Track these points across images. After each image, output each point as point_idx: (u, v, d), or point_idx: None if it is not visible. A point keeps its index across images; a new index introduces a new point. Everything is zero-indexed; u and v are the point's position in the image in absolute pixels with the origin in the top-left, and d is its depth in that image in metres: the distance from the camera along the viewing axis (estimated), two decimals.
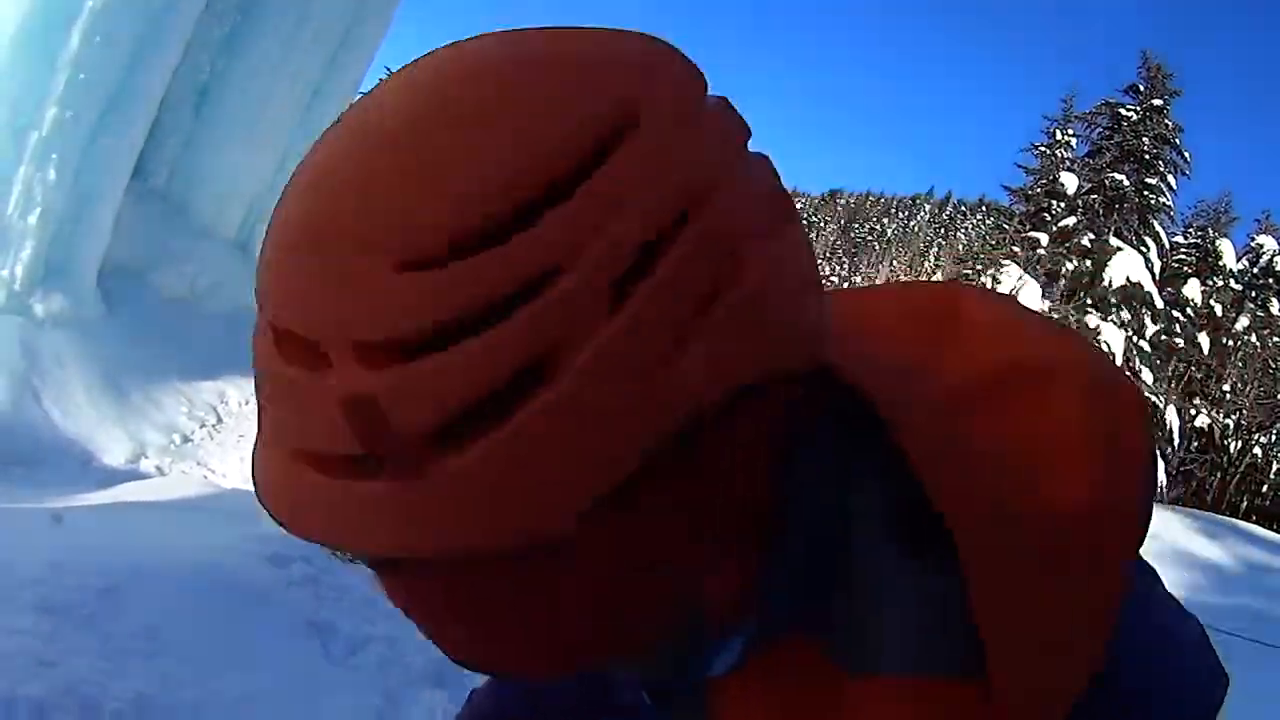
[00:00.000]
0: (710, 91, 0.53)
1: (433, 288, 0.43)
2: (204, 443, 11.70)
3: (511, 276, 0.43)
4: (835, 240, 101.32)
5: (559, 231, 0.43)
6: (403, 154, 0.45)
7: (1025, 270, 23.22)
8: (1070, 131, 26.30)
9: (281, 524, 0.48)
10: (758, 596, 0.60)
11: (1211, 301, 29.63)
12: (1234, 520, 14.63)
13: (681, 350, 0.46)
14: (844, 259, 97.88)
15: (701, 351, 0.46)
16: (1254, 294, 31.62)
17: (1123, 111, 25.79)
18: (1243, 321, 30.50)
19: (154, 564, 3.34)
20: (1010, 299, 0.73)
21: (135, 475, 9.50)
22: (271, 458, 0.49)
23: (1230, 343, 30.09)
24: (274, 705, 2.69)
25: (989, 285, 22.65)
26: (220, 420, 12.50)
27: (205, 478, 10.07)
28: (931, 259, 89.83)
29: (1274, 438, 29.51)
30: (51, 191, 10.55)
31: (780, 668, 0.62)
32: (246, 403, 13.17)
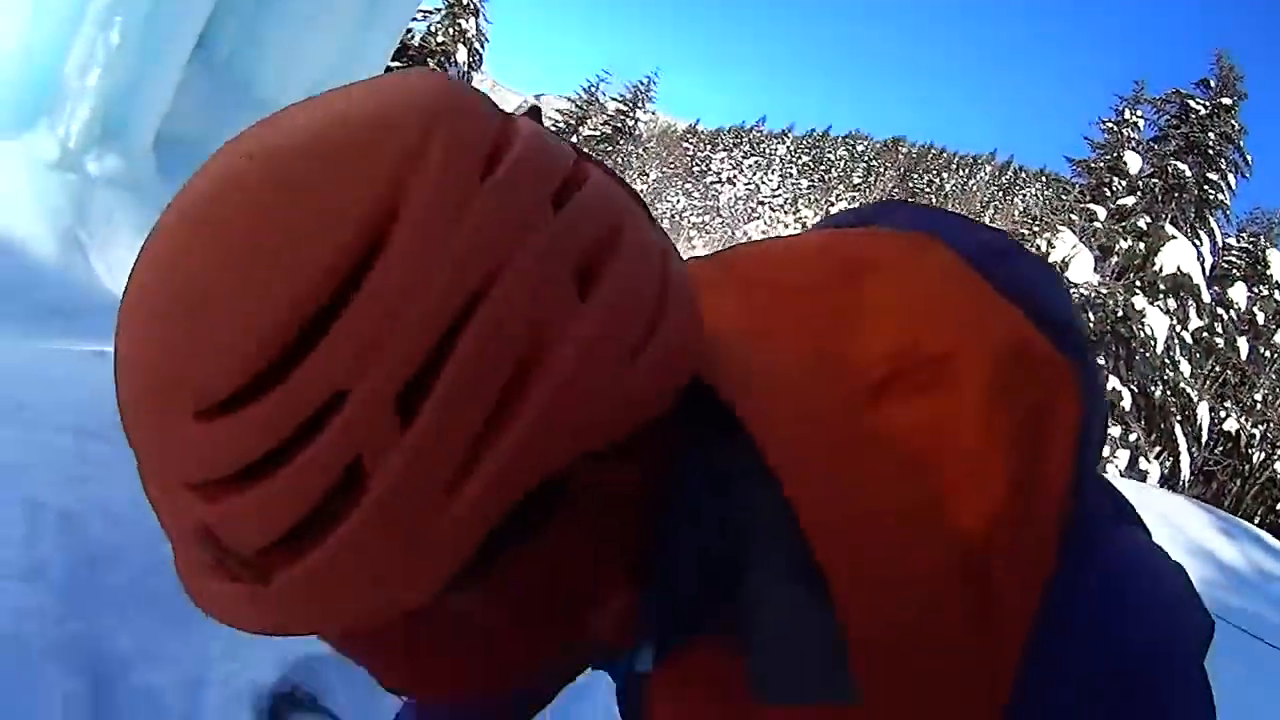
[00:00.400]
0: (517, 136, 0.53)
1: (229, 434, 0.46)
2: None
3: (298, 409, 0.46)
4: (893, 188, 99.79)
5: (334, 357, 0.46)
6: (176, 308, 0.48)
7: (1080, 240, 22.94)
8: (1139, 113, 25.87)
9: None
10: (645, 623, 0.65)
11: (1255, 309, 29.24)
12: (1256, 528, 14.51)
13: (484, 450, 0.48)
14: None
15: (509, 447, 0.48)
16: None
17: (1192, 104, 25.36)
18: None
19: None
20: (934, 246, 0.69)
21: None
22: (179, 566, 0.55)
23: (1268, 353, 29.72)
24: None
25: (1043, 248, 22.47)
26: None
27: None
28: (987, 220, 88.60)
29: None
30: (113, 54, 10.53)
31: (696, 665, 0.65)
32: None
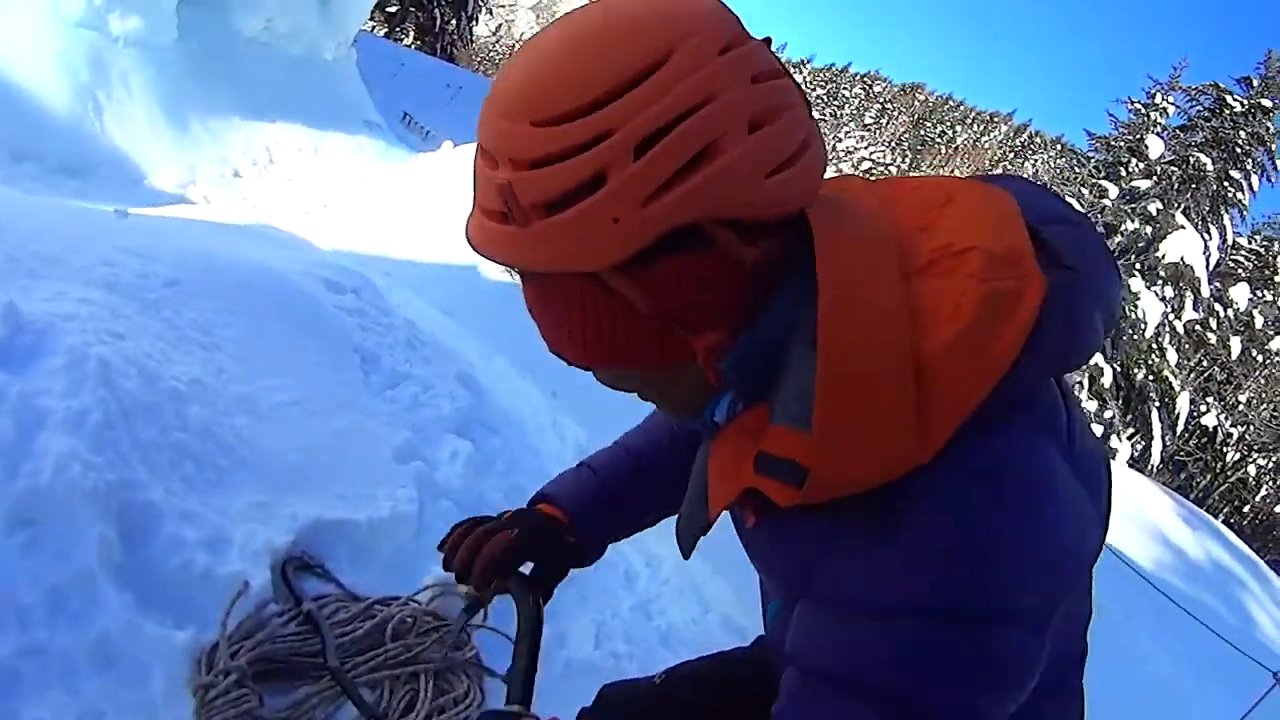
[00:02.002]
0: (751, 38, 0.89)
1: (548, 137, 0.83)
2: (254, 180, 11.79)
3: (588, 134, 0.82)
4: (905, 133, 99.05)
5: (619, 113, 0.82)
6: (545, 68, 0.86)
7: (1087, 214, 22.92)
8: (1170, 99, 25.54)
9: (473, 248, 0.93)
10: (723, 365, 0.96)
11: (1255, 312, 29.31)
12: (1217, 522, 14.69)
13: (665, 192, 0.83)
14: (907, 153, 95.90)
15: (677, 196, 0.83)
16: None
17: (1229, 99, 25.01)
18: (1278, 342, 30.25)
19: (217, 265, 3.48)
20: (1004, 196, 0.99)
21: (182, 200, 9.65)
22: (472, 212, 0.93)
23: (1260, 358, 29.89)
24: (315, 415, 2.86)
25: None
26: (272, 161, 12.56)
27: (255, 209, 10.21)
28: None
29: (1270, 464, 29.51)
30: None
31: (745, 423, 1.00)
32: (301, 150, 13.21)
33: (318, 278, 3.88)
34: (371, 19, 35.28)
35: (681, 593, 3.79)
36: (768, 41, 0.92)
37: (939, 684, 0.88)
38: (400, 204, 11.49)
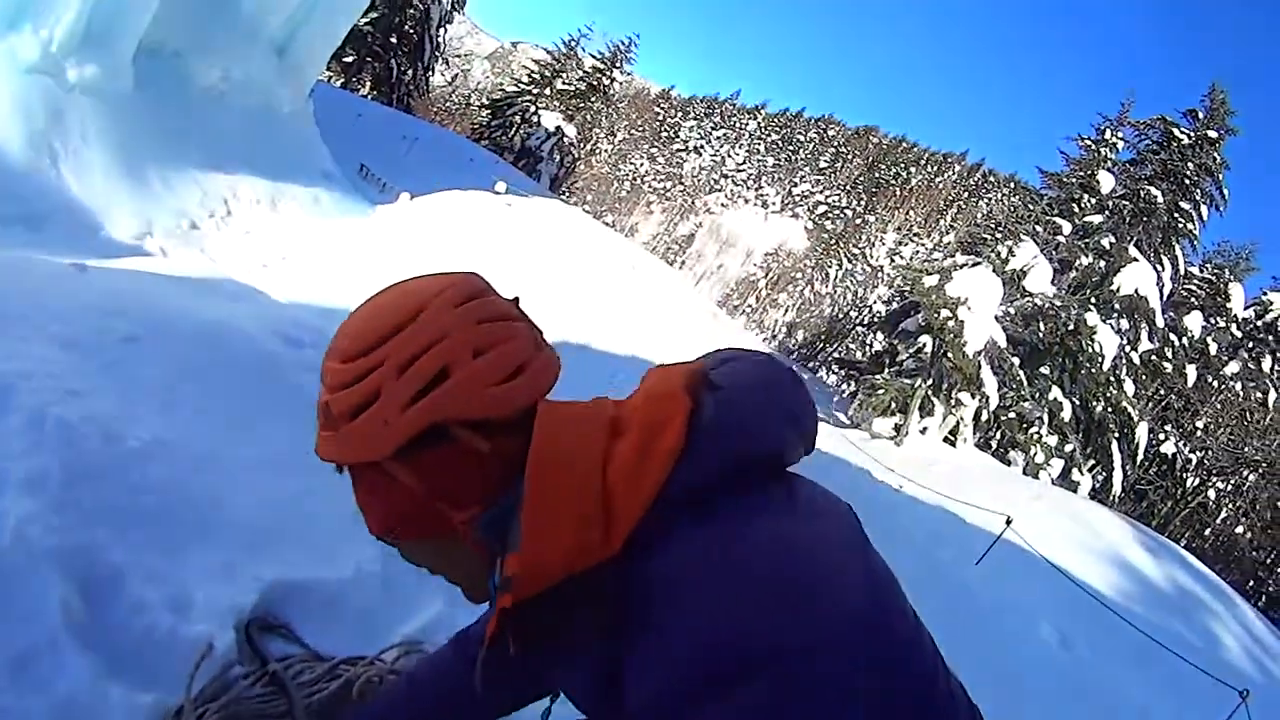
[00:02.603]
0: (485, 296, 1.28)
1: (344, 371, 1.22)
2: (211, 233, 11.78)
3: (367, 368, 1.20)
4: (859, 175, 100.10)
5: (386, 350, 1.20)
6: (350, 325, 1.26)
7: (1041, 251, 23.19)
8: (1120, 135, 26.08)
9: (317, 454, 1.28)
10: (476, 533, 1.25)
11: (1209, 339, 29.75)
12: (1180, 549, 14.84)
13: (418, 400, 1.18)
14: (863, 196, 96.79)
15: (426, 403, 1.17)
16: (1251, 345, 31.81)
17: (1176, 132, 25.59)
18: (1232, 367, 30.76)
19: (176, 321, 3.46)
20: (679, 369, 1.30)
21: (139, 252, 9.56)
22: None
23: (1215, 383, 30.30)
24: (277, 473, 2.82)
25: (1004, 255, 22.68)
26: (230, 214, 12.55)
27: (212, 264, 10.09)
28: (948, 219, 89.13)
29: (1229, 487, 29.86)
30: None
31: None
32: (259, 202, 13.21)
33: (276, 333, 3.85)
34: (328, 69, 35.37)
35: None
36: (516, 301, 1.31)
37: None
38: (359, 255, 11.50)
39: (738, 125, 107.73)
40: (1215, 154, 25.19)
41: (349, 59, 37.51)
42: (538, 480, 1.15)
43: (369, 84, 39.21)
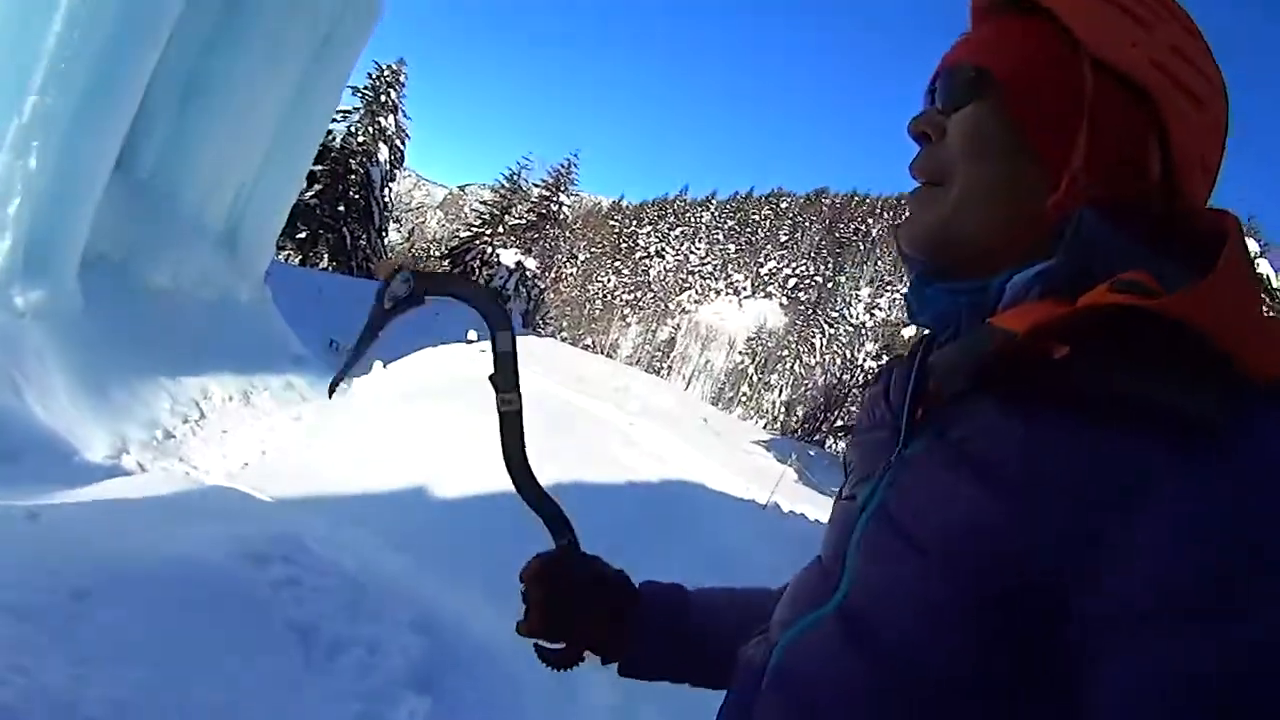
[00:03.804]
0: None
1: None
2: (187, 438, 11.52)
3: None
4: (820, 240, 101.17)
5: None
6: None
7: None
8: None
9: None
10: (1055, 235, 0.80)
11: None
12: None
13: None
14: (828, 258, 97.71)
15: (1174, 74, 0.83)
16: None
17: None
18: None
19: (130, 565, 3.24)
20: None
21: (117, 471, 9.31)
22: None
23: None
24: (251, 713, 2.59)
25: None
26: (203, 416, 12.33)
27: (187, 474, 9.82)
28: None
29: None
30: (32, 181, 10.36)
31: (1028, 309, 0.77)
32: (230, 398, 13.03)
33: (246, 554, 3.63)
34: (283, 248, 35.72)
35: None
36: None
37: None
38: (340, 435, 11.33)
39: (692, 220, 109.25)
40: None
41: (301, 235, 37.82)
42: (1237, 262, 0.73)
43: (326, 255, 39.52)
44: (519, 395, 1.21)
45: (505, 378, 1.21)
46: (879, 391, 1.00)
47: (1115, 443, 0.67)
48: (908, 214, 0.93)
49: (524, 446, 1.22)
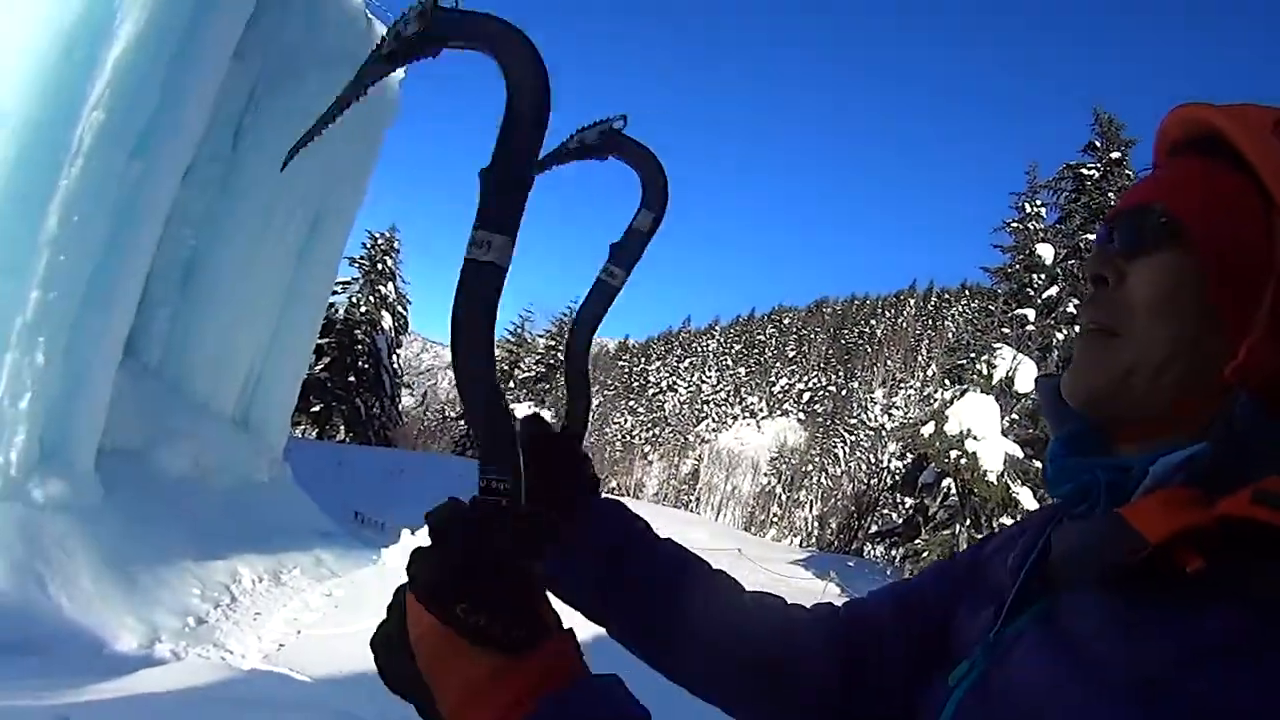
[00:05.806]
0: None
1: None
2: (220, 623, 11.37)
3: None
4: (827, 349, 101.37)
5: None
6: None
7: (1018, 349, 23.02)
8: (1039, 201, 26.41)
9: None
10: (1224, 408, 0.76)
11: None
12: None
13: None
14: (838, 366, 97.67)
15: None
16: None
17: (1084, 171, 25.97)
18: None
19: None
20: None
21: (150, 661, 9.16)
22: None
23: None
24: None
25: (984, 371, 22.40)
26: (235, 599, 12.17)
27: (224, 659, 9.73)
28: (924, 352, 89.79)
29: None
30: (41, 375, 10.43)
31: (1170, 496, 0.75)
32: (260, 579, 12.96)
33: None
34: (299, 423, 35.73)
35: None
36: None
37: None
38: (374, 607, 11.08)
39: (699, 349, 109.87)
40: (1127, 171, 25.26)
41: (315, 409, 37.91)
42: None
43: (343, 427, 39.52)
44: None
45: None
46: (1002, 550, 1.01)
47: (1236, 672, 0.64)
48: (1075, 361, 0.90)
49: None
